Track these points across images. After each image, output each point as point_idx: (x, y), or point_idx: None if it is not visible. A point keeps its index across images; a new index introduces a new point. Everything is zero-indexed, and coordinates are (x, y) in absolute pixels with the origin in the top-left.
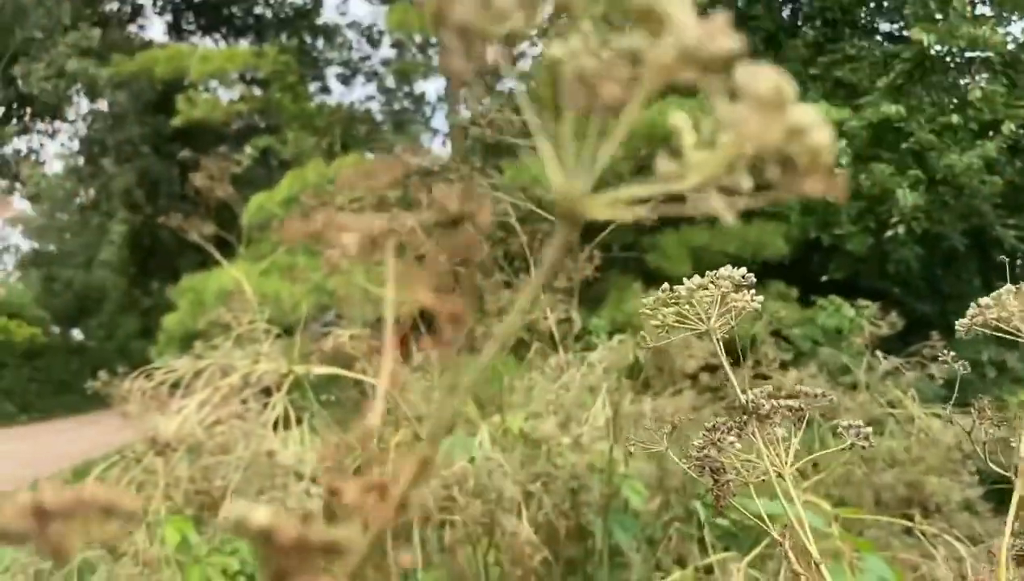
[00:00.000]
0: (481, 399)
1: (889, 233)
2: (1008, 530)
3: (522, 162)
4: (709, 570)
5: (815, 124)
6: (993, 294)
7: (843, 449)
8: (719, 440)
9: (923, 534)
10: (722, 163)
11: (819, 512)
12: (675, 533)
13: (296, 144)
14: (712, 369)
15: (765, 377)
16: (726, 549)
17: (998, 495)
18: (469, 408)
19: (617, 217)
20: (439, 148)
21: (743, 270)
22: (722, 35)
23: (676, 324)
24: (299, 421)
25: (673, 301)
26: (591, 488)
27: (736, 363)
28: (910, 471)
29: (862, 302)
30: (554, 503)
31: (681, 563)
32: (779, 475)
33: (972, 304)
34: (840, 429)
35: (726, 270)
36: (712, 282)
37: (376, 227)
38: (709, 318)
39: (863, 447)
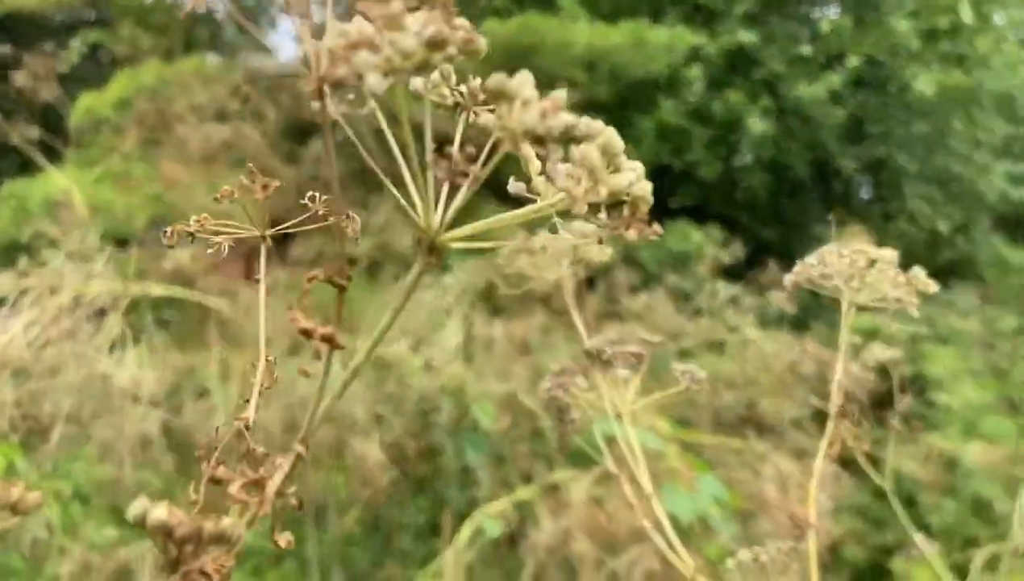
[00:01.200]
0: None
1: (738, 161)
2: (820, 455)
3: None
4: (555, 487)
5: (640, 178)
6: (816, 252)
7: (679, 392)
8: (566, 383)
9: (754, 453)
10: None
11: (659, 434)
12: (523, 451)
13: (130, 41)
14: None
15: (616, 301)
16: (572, 465)
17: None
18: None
19: (469, 246)
20: (289, 54)
21: (593, 226)
22: (557, 113)
23: (530, 273)
24: (136, 342)
25: (527, 250)
26: (441, 409)
27: (589, 287)
28: (747, 392)
29: (710, 227)
30: (404, 424)
31: (528, 480)
32: (619, 415)
33: (798, 261)
34: (676, 372)
35: (578, 224)
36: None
37: (218, 138)
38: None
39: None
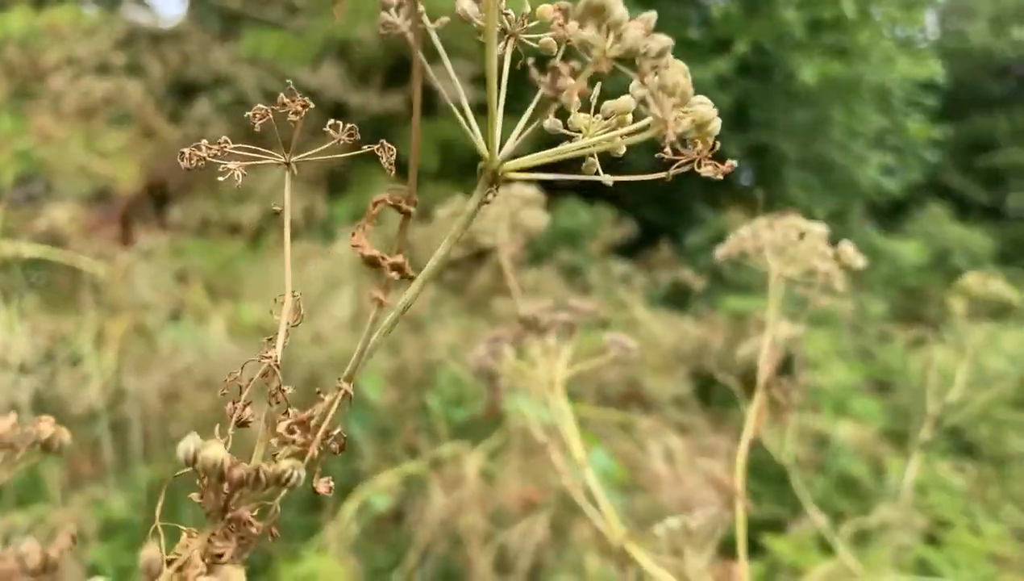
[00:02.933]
0: (214, 287)
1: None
2: (743, 446)
3: (263, 32)
4: (440, 461)
5: (711, 114)
6: (749, 225)
7: (609, 361)
8: (497, 351)
9: (637, 427)
10: (608, 134)
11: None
12: (409, 425)
13: None
14: (454, 265)
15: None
16: (458, 438)
17: (704, 393)
18: (199, 296)
19: (526, 177)
20: (175, 7)
21: (533, 189)
22: (653, 35)
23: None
24: (6, 304)
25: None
26: (329, 381)
27: (479, 260)
28: (633, 370)
29: (599, 207)
30: (289, 396)
31: (414, 454)
32: (551, 383)
33: (731, 234)
34: (606, 343)
35: (518, 188)
36: (503, 200)
37: (97, 93)
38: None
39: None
